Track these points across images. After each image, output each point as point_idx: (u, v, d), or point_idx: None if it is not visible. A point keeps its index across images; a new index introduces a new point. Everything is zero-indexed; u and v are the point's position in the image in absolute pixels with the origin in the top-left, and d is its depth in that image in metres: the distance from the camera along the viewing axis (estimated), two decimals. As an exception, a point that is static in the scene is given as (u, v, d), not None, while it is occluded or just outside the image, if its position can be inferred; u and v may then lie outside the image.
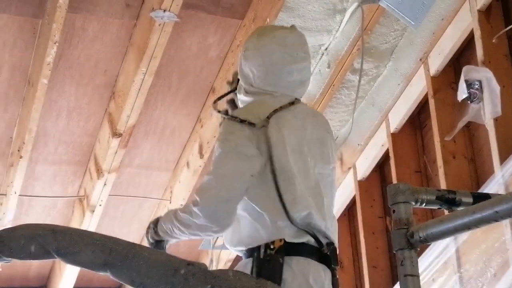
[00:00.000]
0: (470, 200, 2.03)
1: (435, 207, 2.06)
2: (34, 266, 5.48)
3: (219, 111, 2.59)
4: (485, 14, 3.66)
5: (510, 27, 3.62)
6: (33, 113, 4.25)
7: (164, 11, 3.85)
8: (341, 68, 4.23)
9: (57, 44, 3.96)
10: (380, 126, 4.35)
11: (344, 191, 4.65)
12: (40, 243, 2.07)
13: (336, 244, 2.45)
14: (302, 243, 2.33)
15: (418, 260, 1.96)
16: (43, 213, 5.02)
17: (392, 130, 4.26)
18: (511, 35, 3.70)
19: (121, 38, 4.20)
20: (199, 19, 4.16)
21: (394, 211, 1.97)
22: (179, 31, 4.16)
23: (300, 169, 2.39)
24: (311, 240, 2.35)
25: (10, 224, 4.79)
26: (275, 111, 2.44)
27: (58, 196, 4.93)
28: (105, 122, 4.54)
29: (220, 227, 2.36)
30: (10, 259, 2.12)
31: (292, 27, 2.60)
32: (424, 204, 2.00)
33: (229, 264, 5.16)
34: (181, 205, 2.45)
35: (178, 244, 5.44)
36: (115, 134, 4.43)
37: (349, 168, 4.58)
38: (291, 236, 2.32)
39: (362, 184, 4.53)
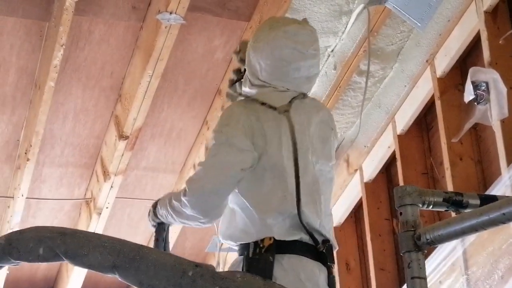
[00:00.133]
0: (477, 202, 2.03)
1: (442, 209, 2.05)
2: (41, 269, 5.49)
3: (233, 94, 2.55)
4: (491, 15, 3.65)
5: (516, 28, 3.62)
6: (40, 116, 4.27)
7: (171, 13, 3.85)
8: (347, 70, 4.23)
9: (63, 46, 3.97)
10: (386, 128, 4.34)
11: (350, 193, 4.65)
12: (49, 245, 2.08)
13: (334, 243, 2.40)
14: (294, 241, 2.31)
15: (425, 262, 1.96)
16: (50, 215, 5.03)
17: (398, 131, 4.26)
18: (518, 36, 3.70)
19: (128, 41, 4.20)
20: (205, 21, 4.17)
21: (401, 213, 1.97)
22: (185, 34, 4.17)
23: (300, 165, 2.36)
24: (305, 238, 2.32)
25: (18, 227, 4.80)
26: (294, 98, 2.43)
27: (65, 198, 4.94)
28: (112, 124, 4.55)
29: (207, 218, 2.36)
30: (18, 261, 2.12)
31: (305, 21, 2.55)
32: (431, 206, 2.00)
33: (236, 266, 5.16)
34: (177, 190, 2.45)
35: (185, 246, 5.46)
36: (122, 136, 4.44)
37: (356, 170, 4.57)
38: (282, 233, 2.29)
39: (369, 186, 4.52)
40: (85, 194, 4.96)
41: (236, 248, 2.37)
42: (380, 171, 4.50)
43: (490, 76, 3.58)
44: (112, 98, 4.47)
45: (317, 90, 4.28)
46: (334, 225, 4.74)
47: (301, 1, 3.94)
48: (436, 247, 3.71)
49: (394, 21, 4.01)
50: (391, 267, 4.41)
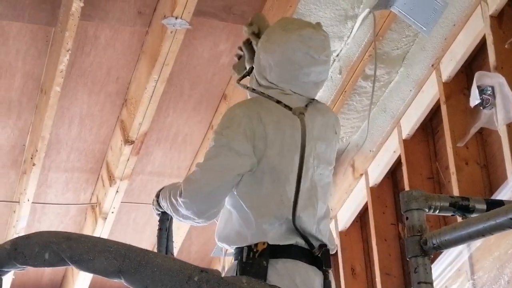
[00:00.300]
0: (484, 206, 2.02)
1: (448, 214, 2.05)
2: (47, 273, 5.50)
3: (247, 87, 2.49)
4: (497, 19, 3.65)
5: (522, 32, 3.62)
6: (46, 121, 4.27)
7: (176, 18, 3.86)
8: (353, 75, 4.23)
9: (69, 52, 3.98)
10: (392, 133, 4.34)
11: (356, 198, 4.64)
12: (55, 250, 2.07)
13: (331, 246, 2.37)
14: (290, 245, 2.28)
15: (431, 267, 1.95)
16: (56, 220, 5.03)
17: (404, 136, 4.26)
18: (524, 41, 3.69)
19: (133, 46, 4.21)
20: (211, 26, 4.17)
21: (407, 218, 1.96)
22: (191, 38, 4.17)
23: (303, 170, 2.32)
24: (301, 242, 2.30)
25: (23, 232, 4.81)
26: (310, 103, 2.40)
27: (70, 203, 4.95)
28: (117, 129, 4.56)
29: (201, 219, 2.34)
30: (24, 266, 2.12)
31: (318, 25, 2.51)
32: (437, 211, 1.99)
33: (241, 271, 5.15)
34: (178, 182, 2.42)
35: (190, 250, 5.46)
36: (127, 141, 4.44)
37: (361, 175, 4.57)
38: (276, 238, 2.28)
39: (374, 191, 4.52)
40: (91, 199, 4.96)
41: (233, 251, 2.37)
42: (385, 175, 4.50)
43: (495, 80, 3.57)
44: (118, 103, 4.47)
45: (322, 94, 4.27)
46: (340, 229, 4.77)
47: (307, 5, 3.94)
48: (442, 252, 3.71)
49: (400, 26, 4.01)
50: (397, 272, 4.40)
